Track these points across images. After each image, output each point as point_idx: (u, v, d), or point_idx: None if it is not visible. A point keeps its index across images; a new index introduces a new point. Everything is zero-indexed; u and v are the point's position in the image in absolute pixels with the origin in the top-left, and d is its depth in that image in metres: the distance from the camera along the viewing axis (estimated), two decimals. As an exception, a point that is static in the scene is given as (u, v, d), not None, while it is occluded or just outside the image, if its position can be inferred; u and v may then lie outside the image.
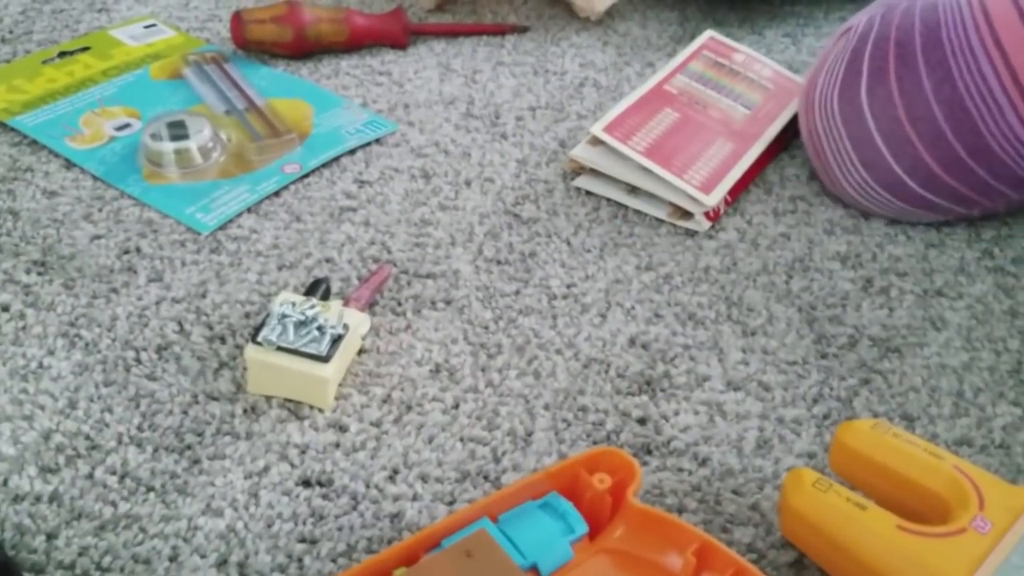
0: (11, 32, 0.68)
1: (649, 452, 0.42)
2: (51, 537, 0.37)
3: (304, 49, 0.65)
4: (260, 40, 0.64)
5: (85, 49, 0.65)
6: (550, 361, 0.46)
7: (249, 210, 0.53)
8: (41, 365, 0.44)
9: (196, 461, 0.40)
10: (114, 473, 0.40)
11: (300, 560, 0.37)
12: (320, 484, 0.40)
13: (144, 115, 0.59)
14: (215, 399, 0.43)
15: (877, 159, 0.50)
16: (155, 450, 0.40)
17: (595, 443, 0.42)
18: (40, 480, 0.39)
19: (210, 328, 0.46)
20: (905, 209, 0.52)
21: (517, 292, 0.49)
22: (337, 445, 0.41)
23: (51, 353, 0.44)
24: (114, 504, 0.38)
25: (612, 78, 0.66)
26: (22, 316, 0.46)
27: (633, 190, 0.55)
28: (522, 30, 0.71)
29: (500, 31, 0.70)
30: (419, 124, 0.61)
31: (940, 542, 0.33)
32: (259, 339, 0.42)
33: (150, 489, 0.39)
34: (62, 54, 0.64)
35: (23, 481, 0.39)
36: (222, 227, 0.52)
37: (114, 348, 0.45)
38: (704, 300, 0.49)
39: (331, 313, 0.43)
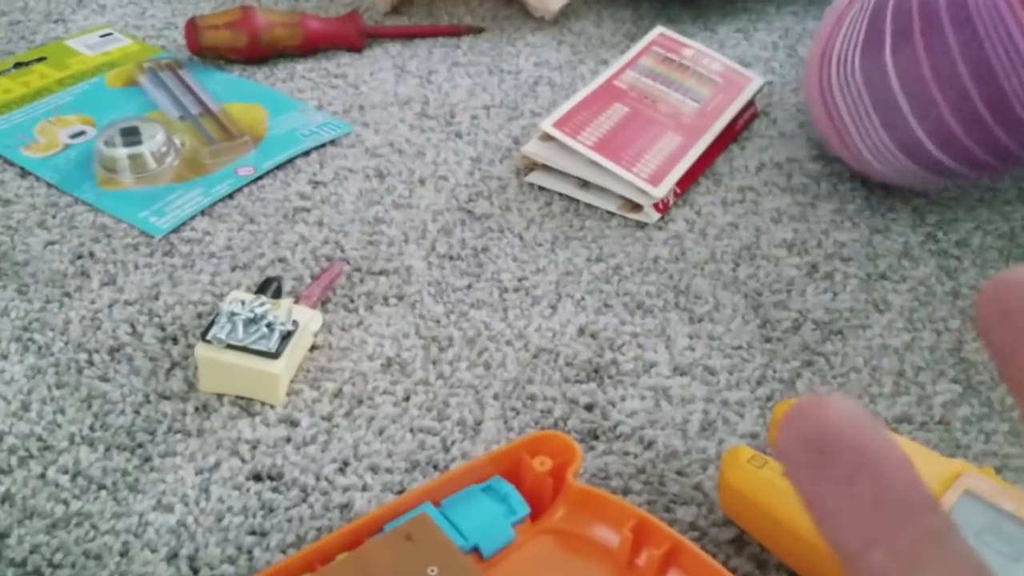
0: (-33, 44, 0.68)
1: (596, 437, 0.42)
2: (3, 536, 0.37)
3: (259, 54, 0.65)
4: (215, 46, 0.64)
5: (41, 59, 0.65)
6: (500, 352, 0.46)
7: (203, 213, 0.53)
8: (-6, 369, 0.44)
9: (147, 459, 0.41)
10: (66, 472, 0.40)
11: (250, 552, 0.37)
12: (270, 478, 0.40)
13: (99, 123, 0.59)
14: (167, 398, 0.43)
15: (898, 119, 0.50)
16: (107, 449, 0.41)
17: (543, 430, 0.42)
18: (-8, 482, 0.39)
19: (162, 329, 0.46)
20: (915, 172, 0.51)
21: (469, 286, 0.50)
22: (288, 440, 0.42)
23: (4, 357, 0.45)
24: (66, 503, 0.39)
25: (566, 76, 0.67)
26: (-25, 322, 0.46)
27: (584, 184, 0.56)
28: (477, 31, 0.71)
29: (456, 32, 0.71)
30: (374, 125, 0.61)
31: None
32: (209, 337, 0.42)
33: (101, 487, 0.39)
34: (18, 65, 0.65)
35: (-26, 483, 0.39)
36: (175, 230, 0.52)
37: (67, 351, 0.45)
38: (652, 289, 0.50)
39: (281, 310, 0.44)
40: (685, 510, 0.39)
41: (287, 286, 0.49)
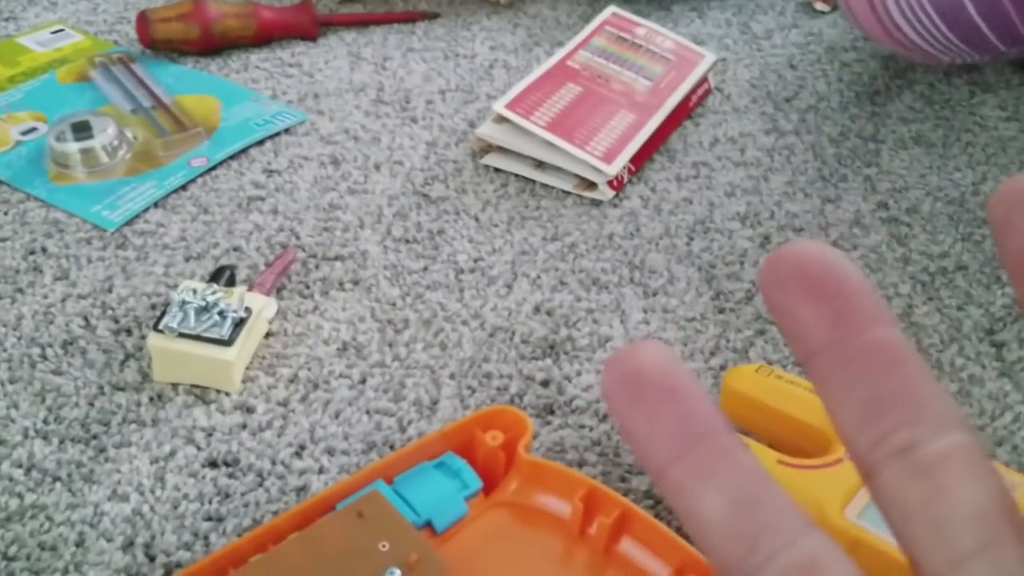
0: (-84, 45, 0.67)
1: (552, 412, 0.43)
2: (-44, 532, 0.37)
3: (212, 45, 0.65)
4: (167, 38, 0.64)
5: (-9, 57, 0.65)
6: (456, 332, 0.46)
7: (156, 205, 0.53)
8: (-54, 367, 0.44)
9: (102, 450, 0.40)
10: (20, 466, 0.40)
11: (206, 537, 0.37)
12: (226, 464, 0.40)
13: (51, 119, 0.59)
14: (121, 389, 0.43)
15: None
16: (61, 442, 0.41)
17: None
18: (-55, 478, 0.39)
19: (116, 321, 0.46)
20: (947, 44, 0.51)
21: (425, 269, 0.50)
22: (244, 426, 0.42)
23: (-44, 355, 0.44)
24: (20, 496, 0.39)
25: (522, 59, 0.67)
26: (-73, 321, 0.46)
27: (540, 165, 0.56)
28: (432, 16, 0.71)
29: (411, 18, 0.71)
30: (329, 113, 0.61)
31: (817, 473, 0.35)
32: (161, 327, 0.42)
33: (56, 479, 0.39)
34: (-33, 63, 0.64)
35: (-73, 480, 0.39)
36: (129, 223, 0.52)
37: (19, 346, 0.45)
38: (608, 266, 0.51)
39: (233, 298, 0.44)
40: (640, 480, 0.40)
41: (242, 274, 0.49)
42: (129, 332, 0.46)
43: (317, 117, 0.61)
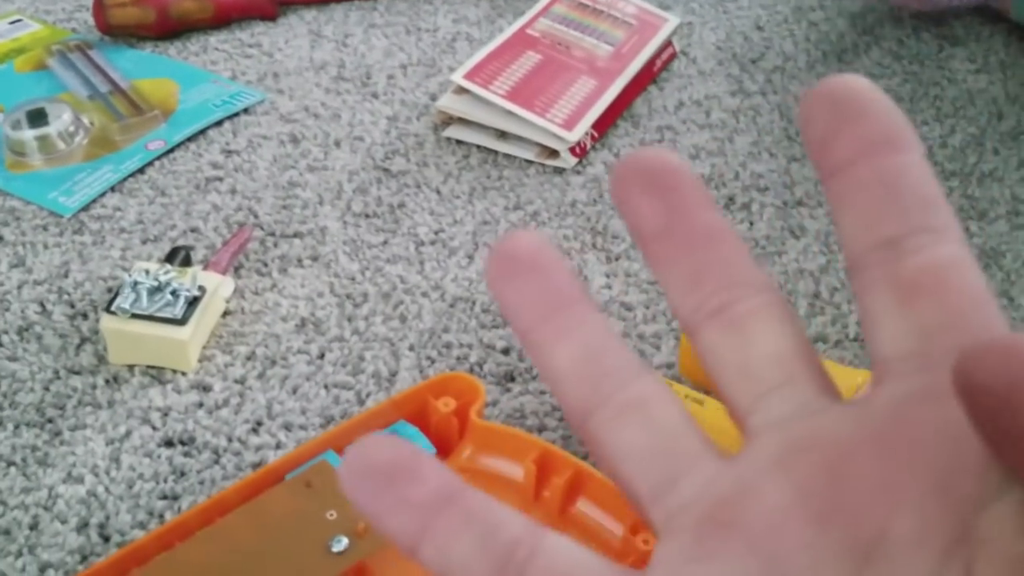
0: None
1: (512, 379, 0.42)
2: (-90, 521, 0.37)
3: (169, 29, 0.64)
4: (123, 24, 0.63)
5: (-52, 50, 0.64)
6: (416, 304, 0.46)
7: (113, 189, 0.53)
8: (-100, 358, 0.43)
9: (57, 433, 0.40)
10: (-26, 454, 0.39)
11: (161, 516, 0.37)
12: (182, 443, 0.40)
13: (8, 108, 0.58)
14: (77, 373, 0.43)
15: None
16: (16, 427, 0.40)
17: (458, 376, 0.42)
18: (-102, 468, 0.39)
19: (72, 306, 0.46)
20: None
21: (385, 242, 0.50)
22: (200, 405, 0.41)
23: (-89, 346, 0.44)
24: (-26, 483, 0.38)
25: (485, 31, 0.67)
26: None
27: (502, 135, 0.56)
28: (394, -7, 0.71)
29: (372, -5, 0.70)
30: (288, 91, 0.60)
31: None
32: (113, 308, 0.42)
33: (11, 464, 0.39)
34: (-76, 57, 0.63)
35: None
36: (85, 208, 0.51)
37: (-26, 334, 0.44)
38: (570, 232, 0.50)
39: (186, 277, 0.43)
40: (598, 442, 0.39)
41: (199, 255, 0.49)
42: (85, 316, 0.45)
43: (277, 96, 0.60)
